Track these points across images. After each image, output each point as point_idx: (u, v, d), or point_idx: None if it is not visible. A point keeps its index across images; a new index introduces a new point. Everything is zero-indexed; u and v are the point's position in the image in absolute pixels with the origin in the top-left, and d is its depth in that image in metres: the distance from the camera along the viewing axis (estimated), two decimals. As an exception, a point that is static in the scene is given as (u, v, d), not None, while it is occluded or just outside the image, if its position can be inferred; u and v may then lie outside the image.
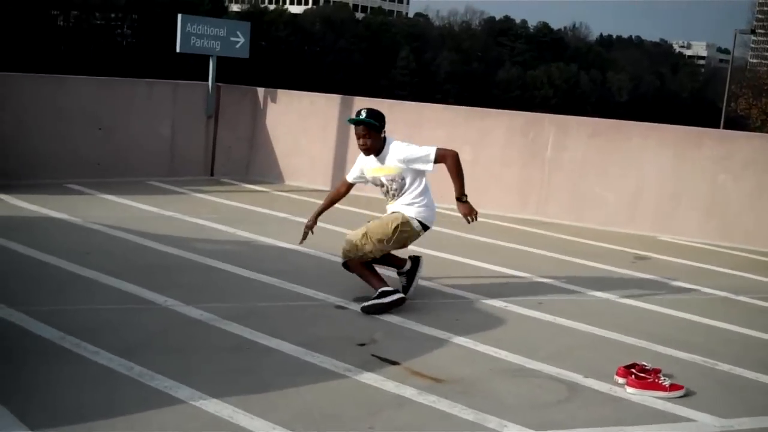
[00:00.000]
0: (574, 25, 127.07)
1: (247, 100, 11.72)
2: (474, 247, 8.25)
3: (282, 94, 11.71)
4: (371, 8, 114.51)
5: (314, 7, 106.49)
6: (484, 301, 6.29)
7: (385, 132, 6.01)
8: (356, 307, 5.88)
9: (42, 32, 61.31)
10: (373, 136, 5.93)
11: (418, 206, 6.05)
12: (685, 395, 4.64)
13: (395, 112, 8.84)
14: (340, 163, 10.81)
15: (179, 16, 10.93)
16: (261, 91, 11.72)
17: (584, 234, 9.26)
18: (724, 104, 40.32)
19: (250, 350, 4.92)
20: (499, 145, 10.43)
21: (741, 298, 7.02)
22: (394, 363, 4.85)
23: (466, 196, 6.13)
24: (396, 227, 5.93)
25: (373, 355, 4.95)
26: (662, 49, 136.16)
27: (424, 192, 6.09)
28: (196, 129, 11.29)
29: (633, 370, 4.75)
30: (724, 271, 7.99)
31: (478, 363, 4.98)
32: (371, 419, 4.10)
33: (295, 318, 5.61)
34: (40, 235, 7.34)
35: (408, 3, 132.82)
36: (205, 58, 11.21)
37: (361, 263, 5.96)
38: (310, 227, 6.28)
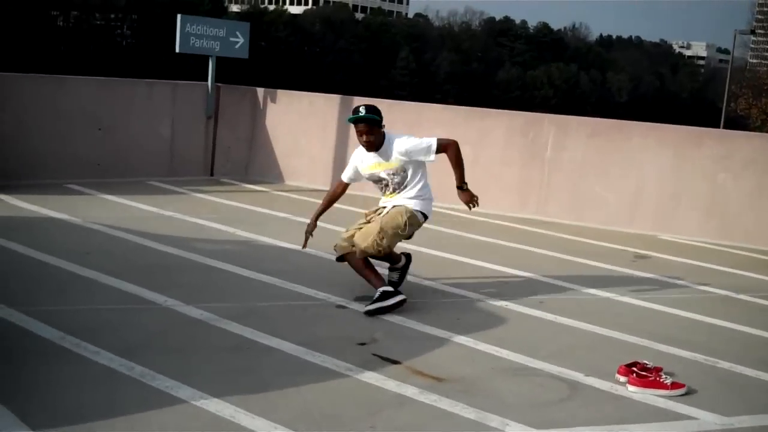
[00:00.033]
0: (573, 26, 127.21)
1: (246, 100, 11.72)
2: (474, 246, 8.25)
3: (281, 94, 11.71)
4: (371, 9, 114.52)
5: (314, 7, 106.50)
6: (485, 300, 6.28)
7: (384, 126, 6.01)
8: (357, 306, 5.87)
9: (42, 33, 61.30)
10: (375, 131, 5.93)
11: (422, 199, 6.08)
12: (686, 393, 4.64)
13: (395, 112, 8.84)
14: (340, 163, 10.78)
15: (178, 16, 10.93)
16: (261, 91, 11.71)
17: (585, 233, 9.25)
18: (724, 104, 40.32)
19: (250, 350, 4.91)
20: (499, 145, 10.42)
21: (741, 296, 7.02)
22: (395, 362, 4.84)
23: (466, 184, 6.19)
24: (407, 219, 5.96)
25: (374, 355, 4.95)
26: (662, 49, 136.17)
27: (426, 184, 6.13)
28: (196, 129, 11.29)
29: (634, 369, 4.74)
30: (724, 269, 7.98)
31: (479, 362, 4.98)
32: (372, 418, 4.10)
33: (295, 317, 5.61)
34: (40, 236, 7.33)
35: (408, 3, 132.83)
36: (205, 59, 11.21)
37: (363, 260, 5.96)
38: (310, 231, 6.26)
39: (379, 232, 5.88)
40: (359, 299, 6.00)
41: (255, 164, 11.65)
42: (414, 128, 10.27)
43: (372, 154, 6.03)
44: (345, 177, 6.29)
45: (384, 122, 6.01)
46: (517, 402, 4.42)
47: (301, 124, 11.46)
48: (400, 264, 6.27)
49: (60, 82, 10.63)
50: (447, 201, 10.12)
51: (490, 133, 10.48)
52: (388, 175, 6.03)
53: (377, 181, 6.12)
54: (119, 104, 10.63)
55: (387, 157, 6.00)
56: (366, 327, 5.47)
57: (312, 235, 6.27)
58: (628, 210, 9.73)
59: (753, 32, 61.76)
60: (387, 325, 5.54)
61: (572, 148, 10.05)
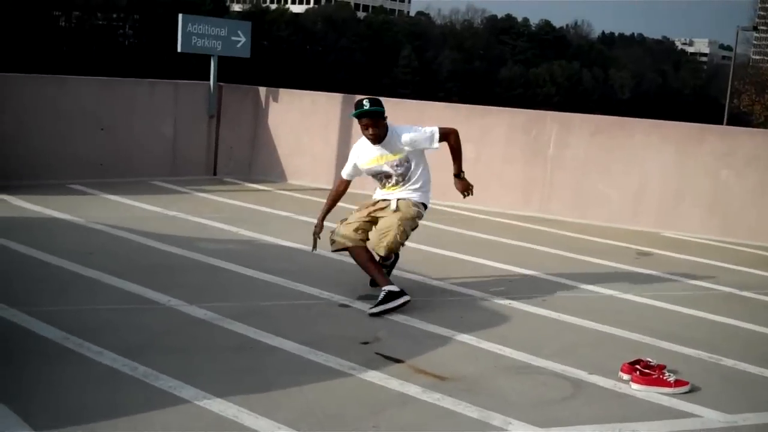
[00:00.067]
0: (576, 23, 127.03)
1: (248, 99, 11.72)
2: (477, 244, 8.24)
3: (284, 93, 11.71)
4: (373, 7, 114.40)
5: (316, 6, 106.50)
6: (488, 298, 6.28)
7: (386, 118, 6.01)
8: (360, 305, 5.87)
9: (44, 33, 61.37)
10: (380, 124, 5.93)
11: (423, 191, 6.12)
12: (689, 391, 4.63)
13: (397, 110, 8.82)
14: (343, 162, 10.61)
15: (180, 16, 10.92)
16: (263, 90, 11.71)
17: (588, 231, 9.24)
18: (727, 101, 40.28)
19: (254, 349, 4.91)
20: (501, 143, 10.41)
21: (745, 293, 7.00)
22: (398, 361, 4.84)
23: (463, 172, 6.28)
24: (417, 212, 6.03)
25: (377, 354, 4.94)
26: (664, 46, 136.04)
27: (428, 176, 6.16)
28: (198, 129, 11.29)
29: (638, 367, 4.74)
30: (727, 266, 7.97)
31: (482, 360, 4.97)
32: (375, 417, 4.09)
33: (298, 317, 5.60)
34: (42, 236, 7.34)
35: (409, 2, 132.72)
36: (207, 58, 11.21)
37: (370, 255, 5.95)
38: (317, 233, 6.20)
39: (399, 226, 5.88)
40: (362, 298, 6.00)
41: (257, 163, 11.65)
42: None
43: (375, 147, 6.00)
44: (345, 174, 6.26)
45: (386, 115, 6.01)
46: (520, 400, 4.41)
47: (304, 122, 11.46)
48: (391, 260, 6.26)
49: (62, 82, 10.64)
50: (449, 199, 10.15)
51: (492, 131, 10.47)
52: (392, 167, 6.01)
53: (377, 174, 6.08)
54: (121, 104, 10.63)
55: (392, 149, 5.98)
56: (369, 326, 5.47)
57: (320, 237, 6.22)
58: (631, 207, 9.72)
59: (755, 28, 61.73)
60: (390, 324, 5.53)
61: (575, 146, 10.04)
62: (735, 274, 7.72)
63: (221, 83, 11.46)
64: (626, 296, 6.63)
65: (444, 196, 10.08)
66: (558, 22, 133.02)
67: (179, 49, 10.96)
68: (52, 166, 9.93)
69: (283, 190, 10.79)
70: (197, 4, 60.14)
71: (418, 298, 5.94)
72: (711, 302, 6.61)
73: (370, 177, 6.22)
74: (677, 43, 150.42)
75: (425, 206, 6.12)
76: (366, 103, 5.90)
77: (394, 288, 5.76)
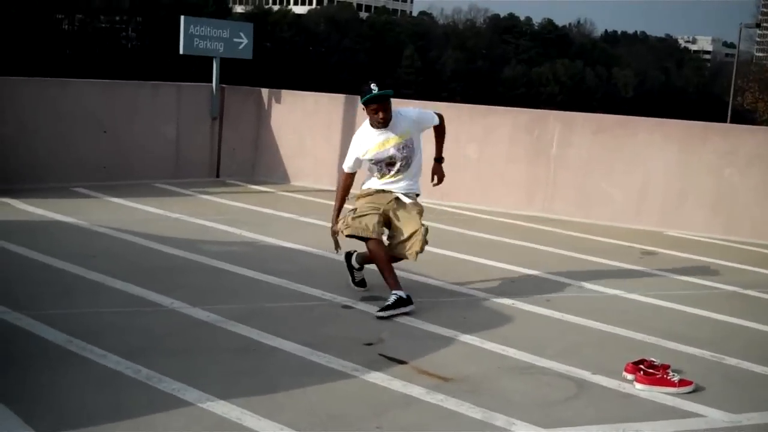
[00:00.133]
0: (578, 22, 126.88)
1: (251, 101, 11.72)
2: (480, 244, 8.23)
3: (286, 94, 11.71)
4: (375, 8, 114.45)
5: (318, 7, 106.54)
6: (491, 298, 6.27)
7: None
8: (363, 306, 5.87)
9: (47, 36, 61.44)
10: (388, 107, 5.92)
11: (419, 177, 6.16)
12: (694, 391, 4.62)
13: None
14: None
15: (182, 18, 10.93)
16: (265, 91, 11.72)
17: (591, 230, 9.23)
18: (731, 98, 40.22)
19: (257, 351, 4.91)
20: (504, 143, 10.40)
21: (749, 292, 6.99)
22: (401, 362, 4.83)
23: (443, 158, 6.36)
24: (422, 209, 6.11)
25: (380, 355, 4.94)
26: (667, 44, 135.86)
27: (421, 158, 6.16)
28: (201, 131, 11.29)
29: (641, 367, 4.73)
30: (731, 265, 7.95)
31: (485, 361, 4.97)
32: (378, 419, 4.09)
33: (301, 318, 5.60)
34: (46, 239, 7.34)
35: (412, 2, 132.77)
36: (210, 60, 11.21)
37: (389, 257, 5.94)
38: (337, 232, 6.09)
39: (424, 231, 5.96)
40: (365, 299, 6.00)
41: (260, 165, 11.65)
42: (419, 127, 10.32)
43: (378, 132, 5.95)
44: (347, 167, 6.15)
45: None
46: (524, 401, 4.40)
47: (306, 124, 11.46)
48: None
49: (64, 85, 10.66)
50: (451, 199, 10.16)
51: (495, 131, 10.47)
52: (398, 149, 5.97)
53: (381, 161, 6.00)
54: (124, 106, 10.64)
55: (398, 130, 5.96)
56: (372, 327, 5.46)
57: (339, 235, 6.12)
58: (635, 206, 9.71)
59: (758, 25, 61.55)
60: (393, 325, 5.53)
61: (578, 145, 10.03)
62: (739, 273, 7.70)
63: (224, 85, 11.46)
64: (630, 296, 6.61)
65: (447, 197, 10.11)
66: (561, 21, 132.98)
67: (181, 51, 10.97)
68: (54, 169, 9.94)
69: (286, 191, 10.79)
70: (200, 6, 60.21)
71: (421, 299, 5.93)
72: (715, 301, 6.60)
73: (370, 167, 6.13)
74: (680, 41, 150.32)
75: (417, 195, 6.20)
76: (374, 88, 5.83)
77: (404, 294, 5.74)
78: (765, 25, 69.50)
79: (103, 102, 10.50)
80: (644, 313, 6.18)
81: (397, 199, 6.05)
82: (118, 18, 72.82)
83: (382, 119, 5.91)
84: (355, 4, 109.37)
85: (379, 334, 5.31)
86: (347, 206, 6.15)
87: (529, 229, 9.20)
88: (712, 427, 4.25)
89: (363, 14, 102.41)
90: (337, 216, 6.10)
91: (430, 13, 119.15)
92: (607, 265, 7.68)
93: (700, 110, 57.98)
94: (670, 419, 4.28)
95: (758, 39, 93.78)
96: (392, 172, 6.03)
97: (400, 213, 6.00)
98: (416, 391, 4.42)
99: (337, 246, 6.13)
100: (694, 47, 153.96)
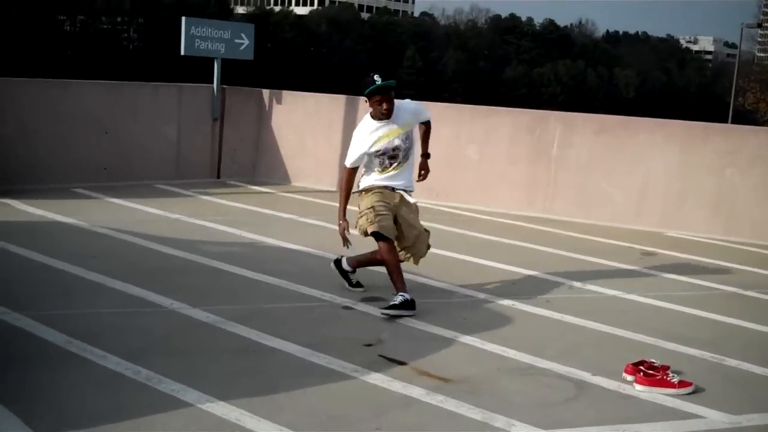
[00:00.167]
0: (580, 22, 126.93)
1: (252, 101, 11.72)
2: (480, 245, 8.23)
3: (287, 95, 11.71)
4: (376, 8, 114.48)
5: (319, 8, 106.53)
6: (491, 299, 6.27)
7: None
8: (363, 307, 5.87)
9: (48, 37, 61.49)
10: (391, 98, 5.95)
11: (414, 169, 6.23)
12: (694, 392, 4.62)
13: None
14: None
15: (183, 18, 10.94)
16: (266, 92, 11.72)
17: (591, 231, 9.22)
18: (732, 99, 40.18)
19: (256, 352, 4.91)
20: (505, 143, 10.40)
21: (749, 293, 6.98)
22: (401, 363, 4.83)
23: (429, 154, 6.42)
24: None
25: (380, 356, 4.94)
26: (669, 44, 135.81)
27: (416, 151, 6.23)
28: (202, 131, 11.29)
29: (641, 368, 4.72)
30: (732, 266, 7.95)
31: (485, 362, 4.96)
32: (378, 420, 4.09)
33: (301, 319, 5.60)
34: (46, 240, 7.35)
35: (413, 2, 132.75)
36: (211, 61, 11.21)
37: (399, 259, 5.96)
38: (345, 228, 6.08)
39: (426, 234, 6.13)
40: (365, 300, 6.00)
41: (261, 166, 11.65)
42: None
43: (381, 124, 5.97)
44: (351, 163, 6.10)
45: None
46: (524, 402, 4.40)
47: (307, 124, 11.46)
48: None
49: (65, 86, 10.67)
50: (452, 200, 10.16)
51: (495, 131, 10.46)
52: (403, 140, 6.01)
53: (386, 153, 6.00)
54: (125, 107, 10.64)
55: (400, 122, 5.99)
56: (372, 328, 5.46)
57: (349, 231, 6.11)
58: (635, 207, 9.70)
59: (760, 26, 61.48)
60: (393, 326, 5.53)
61: (579, 145, 10.02)
62: (739, 273, 7.70)
63: (225, 86, 11.47)
64: (630, 297, 6.61)
65: (447, 197, 10.13)
66: (562, 22, 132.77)
67: (182, 52, 10.98)
68: (55, 170, 9.94)
69: (287, 192, 10.79)
70: (201, 7, 60.26)
71: (421, 300, 5.92)
72: (715, 302, 6.59)
73: (369, 162, 6.11)
74: (682, 41, 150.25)
75: None
76: (378, 79, 5.85)
77: (410, 297, 5.76)
78: (766, 25, 69.41)
79: (104, 103, 10.51)
80: (644, 314, 6.18)
81: (401, 197, 6.07)
82: (119, 19, 72.88)
83: (386, 110, 5.92)
84: (356, 5, 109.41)
85: (379, 335, 5.31)
86: (350, 207, 6.14)
87: (530, 229, 9.20)
88: (712, 428, 4.25)
89: (364, 15, 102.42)
90: (344, 213, 6.07)
91: (432, 14, 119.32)
92: (607, 265, 7.67)
93: (701, 111, 57.93)
94: (670, 420, 4.28)
95: (760, 39, 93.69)
96: (394, 165, 6.05)
97: (405, 215, 6.03)
98: (416, 392, 4.42)
99: (346, 242, 6.12)
100: (695, 47, 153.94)
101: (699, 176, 9.50)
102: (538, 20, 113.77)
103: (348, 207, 6.09)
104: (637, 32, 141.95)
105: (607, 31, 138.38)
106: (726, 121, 32.84)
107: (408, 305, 5.70)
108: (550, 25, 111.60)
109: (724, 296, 6.86)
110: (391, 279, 5.89)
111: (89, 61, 61.78)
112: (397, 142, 5.99)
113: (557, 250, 8.14)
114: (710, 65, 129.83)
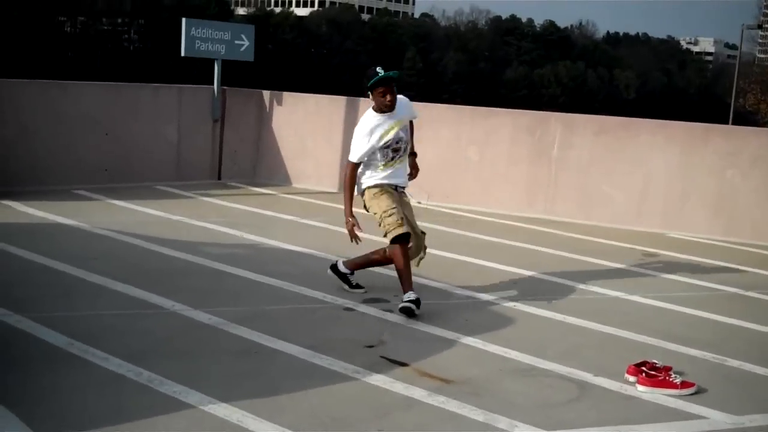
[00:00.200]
0: (580, 23, 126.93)
1: (252, 103, 11.72)
2: (481, 246, 8.22)
3: (287, 96, 11.71)
4: (377, 9, 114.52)
5: (320, 9, 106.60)
6: (492, 300, 6.26)
7: None
8: (365, 309, 5.87)
9: (49, 38, 61.52)
10: (395, 89, 5.96)
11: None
12: (696, 393, 4.61)
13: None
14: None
15: (183, 20, 10.93)
16: (266, 93, 11.71)
17: (593, 232, 9.22)
18: (733, 100, 40.18)
19: (258, 354, 4.91)
20: (506, 144, 10.39)
21: (750, 293, 6.98)
22: (402, 364, 4.83)
23: (416, 153, 6.40)
24: None
25: (381, 357, 4.94)
26: (669, 45, 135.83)
27: None
28: (203, 133, 11.29)
29: (643, 368, 4.72)
30: (733, 267, 7.94)
31: (487, 363, 4.96)
32: (380, 421, 4.09)
33: (303, 321, 5.60)
34: (47, 241, 7.34)
35: (414, 3, 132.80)
36: (212, 62, 11.21)
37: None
38: (354, 225, 6.03)
39: (424, 236, 6.19)
40: (367, 302, 6.00)
41: (262, 167, 11.65)
42: (422, 128, 10.29)
43: (384, 117, 5.98)
44: (357, 158, 6.03)
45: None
46: (526, 403, 4.40)
47: (308, 126, 11.46)
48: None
49: (65, 87, 10.66)
50: (453, 201, 10.15)
51: (496, 132, 10.46)
52: (405, 133, 6.07)
53: (390, 146, 6.01)
54: (125, 109, 10.64)
55: (399, 115, 6.03)
56: (373, 329, 5.46)
57: (360, 228, 6.06)
58: (636, 208, 9.70)
59: (761, 27, 61.48)
60: (394, 327, 5.53)
61: (579, 146, 10.02)
62: (740, 274, 7.69)
63: (225, 87, 11.47)
64: (631, 297, 6.61)
65: (448, 199, 10.12)
66: (562, 23, 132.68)
67: (183, 54, 10.98)
68: (56, 172, 9.94)
69: (287, 193, 10.79)
70: (202, 8, 60.33)
71: (422, 301, 5.91)
72: (716, 303, 6.59)
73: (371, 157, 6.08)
74: (682, 43, 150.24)
75: None
76: (380, 70, 5.87)
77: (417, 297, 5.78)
78: (767, 26, 69.42)
79: (105, 104, 10.51)
80: (646, 315, 6.18)
81: (401, 197, 6.09)
82: (120, 20, 72.93)
83: (390, 102, 5.93)
84: (356, 6, 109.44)
85: (380, 337, 5.30)
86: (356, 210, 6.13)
87: (530, 230, 9.20)
88: (715, 428, 4.24)
89: (365, 16, 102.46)
90: (351, 210, 6.01)
91: (432, 15, 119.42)
92: (608, 266, 7.67)
93: (702, 112, 57.91)
94: (673, 421, 4.28)
95: (760, 40, 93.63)
96: (397, 158, 6.07)
97: (408, 216, 6.05)
98: (418, 393, 4.42)
99: (356, 238, 6.08)
100: (695, 48, 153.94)
101: (700, 177, 9.50)
102: (539, 21, 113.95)
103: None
104: (638, 33, 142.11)
105: (608, 32, 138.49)
106: (727, 123, 32.83)
107: (418, 303, 5.72)
108: (551, 26, 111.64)
109: (726, 297, 6.86)
110: (402, 279, 5.85)
111: (90, 62, 61.84)
112: (401, 134, 6.04)
113: (558, 251, 8.14)
114: (711, 66, 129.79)
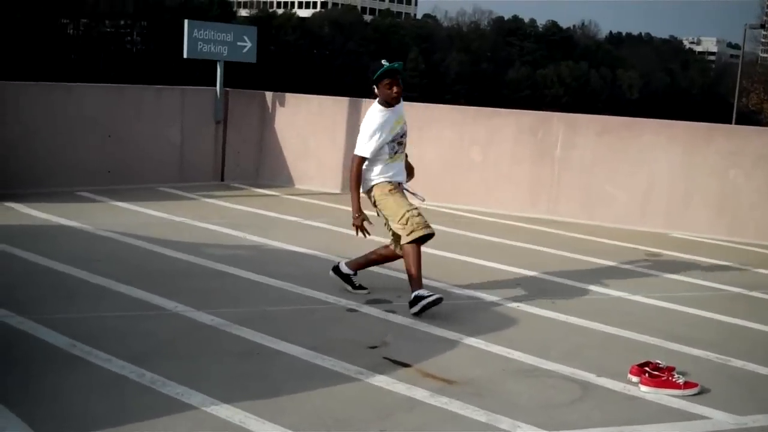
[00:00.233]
0: (583, 23, 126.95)
1: (255, 104, 11.73)
2: (484, 246, 8.22)
3: (290, 97, 11.71)
4: (379, 10, 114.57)
5: (322, 10, 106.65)
6: (495, 301, 6.26)
7: None
8: (367, 309, 5.86)
9: (52, 40, 61.61)
10: (400, 81, 5.99)
11: None
12: (699, 393, 4.60)
13: (405, 113, 8.81)
14: (349, 165, 10.77)
15: (185, 21, 10.94)
16: (269, 95, 11.72)
17: (596, 232, 9.21)
18: (736, 100, 40.13)
19: (260, 355, 4.90)
20: (508, 145, 10.39)
21: (754, 293, 6.97)
22: (405, 365, 4.83)
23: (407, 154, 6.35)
24: None
25: (384, 358, 4.93)
26: (672, 45, 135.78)
27: None
28: (205, 134, 11.30)
29: (647, 369, 4.71)
30: (736, 266, 7.93)
31: (490, 364, 4.95)
32: (383, 422, 4.08)
33: (305, 321, 5.59)
34: (50, 243, 7.35)
35: (416, 4, 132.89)
36: (215, 64, 11.22)
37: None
38: (365, 219, 5.97)
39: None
40: (370, 303, 5.99)
41: (265, 168, 11.65)
42: (424, 128, 10.32)
43: (390, 111, 5.99)
44: (369, 152, 5.94)
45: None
46: (529, 403, 4.39)
47: (311, 127, 11.45)
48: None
49: (69, 89, 10.67)
50: (456, 201, 10.15)
51: (498, 133, 10.45)
52: (406, 127, 6.09)
53: (396, 140, 6.01)
54: (128, 111, 10.65)
55: (400, 109, 6.07)
56: (376, 330, 5.45)
57: (370, 221, 6.03)
58: (640, 208, 9.69)
59: (763, 26, 61.41)
60: (397, 328, 5.52)
61: (582, 147, 10.01)
62: (743, 274, 7.68)
63: (228, 88, 11.47)
64: (635, 298, 6.60)
65: (450, 199, 10.11)
66: (565, 23, 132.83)
67: (185, 55, 10.99)
68: (59, 174, 9.95)
69: (290, 194, 10.79)
70: (204, 10, 60.41)
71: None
72: (719, 303, 6.58)
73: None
74: (685, 42, 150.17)
75: None
76: (385, 62, 5.90)
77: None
78: (770, 25, 69.29)
79: (108, 106, 10.51)
80: (649, 315, 6.17)
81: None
82: (122, 22, 73.01)
83: (397, 93, 5.96)
84: (359, 7, 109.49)
85: (383, 338, 5.30)
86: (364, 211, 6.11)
87: (533, 231, 9.19)
88: (718, 429, 4.23)
89: (367, 17, 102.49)
90: (359, 204, 5.96)
91: (434, 16, 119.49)
92: (611, 266, 7.66)
93: (704, 111, 57.92)
94: (676, 421, 4.27)
95: (763, 40, 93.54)
96: (400, 151, 6.08)
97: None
98: (420, 393, 4.41)
99: (365, 232, 6.03)
100: (698, 48, 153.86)
101: (703, 177, 9.49)
102: (541, 22, 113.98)
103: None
104: (640, 33, 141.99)
105: (610, 32, 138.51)
106: (730, 122, 32.76)
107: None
108: (553, 26, 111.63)
109: (729, 297, 6.85)
110: (414, 276, 5.83)
111: (92, 64, 61.91)
112: (405, 128, 6.08)
113: (561, 252, 8.13)
114: (713, 66, 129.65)
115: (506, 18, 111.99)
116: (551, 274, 7.16)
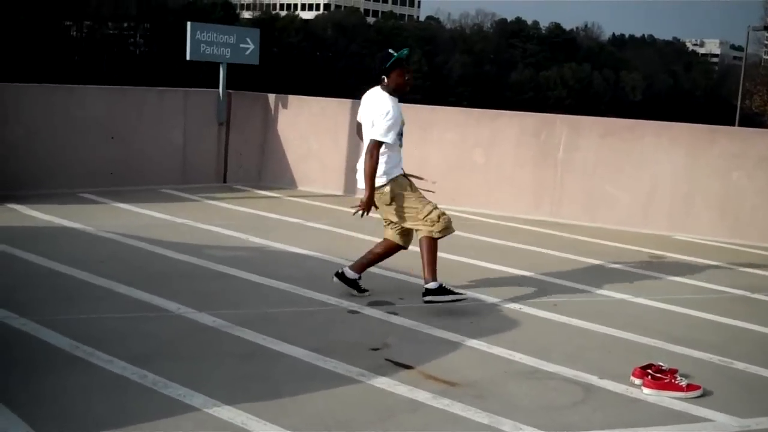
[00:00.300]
0: (586, 25, 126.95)
1: (258, 106, 11.73)
2: (486, 248, 8.21)
3: (293, 99, 11.71)
4: (382, 12, 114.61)
5: (325, 12, 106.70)
6: (497, 303, 6.25)
7: None
8: (369, 311, 5.86)
9: (55, 42, 61.71)
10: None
11: None
12: (702, 395, 4.59)
13: (407, 114, 8.81)
14: (353, 168, 10.76)
15: (188, 23, 10.95)
16: (272, 97, 11.72)
17: (599, 234, 9.20)
18: (739, 102, 40.12)
19: (262, 356, 4.90)
20: (511, 147, 10.38)
21: (757, 296, 6.96)
22: (407, 367, 4.82)
23: None
24: None
25: (386, 360, 4.93)
26: (675, 47, 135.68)
27: None
28: (208, 136, 11.30)
29: (649, 371, 4.70)
30: (739, 269, 7.92)
31: (492, 366, 4.95)
32: (384, 424, 4.08)
33: (307, 323, 5.59)
34: (53, 245, 7.35)
35: (419, 6, 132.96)
36: (218, 66, 11.22)
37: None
38: (372, 198, 5.91)
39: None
40: (372, 304, 5.99)
41: (267, 170, 11.65)
42: (427, 130, 10.33)
43: (396, 100, 6.01)
44: (392, 138, 5.88)
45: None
46: (531, 406, 4.39)
47: (313, 129, 11.45)
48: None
49: (71, 91, 10.67)
50: (459, 203, 10.13)
51: (501, 135, 10.45)
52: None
53: (401, 131, 6.05)
54: (131, 112, 10.65)
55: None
56: (378, 332, 5.45)
57: (376, 206, 6.01)
58: (642, 210, 9.67)
59: (766, 28, 61.28)
60: (399, 330, 5.52)
61: (585, 149, 10.00)
62: (746, 276, 7.67)
63: (230, 90, 11.48)
64: (637, 300, 6.59)
65: (453, 201, 10.09)
66: (568, 25, 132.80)
67: (188, 57, 10.99)
68: (62, 175, 9.95)
69: (293, 196, 10.79)
70: (207, 12, 60.49)
71: (426, 304, 5.91)
72: (722, 305, 6.57)
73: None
74: (688, 44, 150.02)
75: None
76: (392, 52, 5.91)
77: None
78: (773, 27, 69.20)
79: (110, 108, 10.51)
80: (651, 317, 6.16)
81: None
82: (126, 24, 73.12)
83: (409, 80, 5.99)
84: (362, 10, 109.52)
85: (385, 339, 5.29)
86: (373, 213, 6.12)
87: (536, 233, 9.18)
88: (721, 431, 4.22)
89: (370, 19, 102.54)
90: (373, 193, 5.90)
91: (437, 18, 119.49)
92: (613, 269, 7.65)
93: (708, 113, 57.87)
94: (679, 424, 4.26)
95: (766, 42, 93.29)
96: (401, 143, 6.08)
97: None
98: (422, 395, 4.41)
99: (366, 212, 5.98)
100: (701, 50, 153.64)
101: (706, 179, 9.47)
102: (544, 24, 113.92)
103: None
104: (643, 35, 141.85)
105: (613, 34, 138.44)
106: (733, 124, 32.77)
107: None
108: (556, 28, 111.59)
109: (732, 299, 6.84)
110: (430, 267, 5.89)
111: (96, 66, 61.99)
112: (404, 119, 6.08)
113: (564, 254, 8.12)
114: (716, 68, 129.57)
115: (509, 20, 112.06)
116: (553, 276, 7.15)
